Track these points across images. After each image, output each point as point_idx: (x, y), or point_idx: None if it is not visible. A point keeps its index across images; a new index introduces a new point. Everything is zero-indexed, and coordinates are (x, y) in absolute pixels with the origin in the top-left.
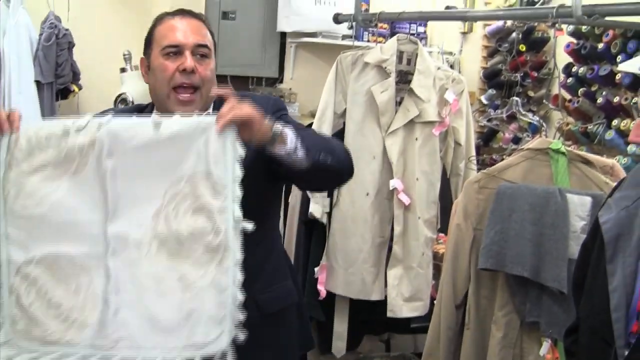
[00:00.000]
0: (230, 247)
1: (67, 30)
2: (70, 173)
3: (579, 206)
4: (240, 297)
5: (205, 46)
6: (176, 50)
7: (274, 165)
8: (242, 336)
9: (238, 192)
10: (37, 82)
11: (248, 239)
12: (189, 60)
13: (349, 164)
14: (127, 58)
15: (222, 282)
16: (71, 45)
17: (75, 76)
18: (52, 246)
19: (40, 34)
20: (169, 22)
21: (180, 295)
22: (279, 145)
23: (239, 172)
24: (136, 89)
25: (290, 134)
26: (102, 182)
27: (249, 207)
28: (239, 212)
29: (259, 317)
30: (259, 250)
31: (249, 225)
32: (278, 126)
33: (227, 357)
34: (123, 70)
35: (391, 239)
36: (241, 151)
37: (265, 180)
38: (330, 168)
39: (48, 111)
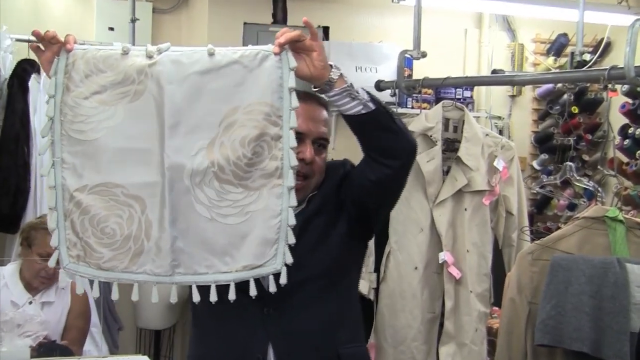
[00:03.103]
0: (284, 173)
1: None
2: (128, 99)
3: None
4: (293, 221)
5: (326, 138)
6: (298, 137)
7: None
8: (290, 259)
9: (293, 122)
10: None
11: (333, 288)
12: (309, 151)
13: (413, 139)
14: None
15: (276, 206)
16: None
17: None
18: (105, 175)
19: None
20: None
21: (234, 219)
22: (338, 85)
23: (296, 103)
24: None
25: (348, 79)
26: (160, 109)
27: (339, 258)
28: (294, 141)
29: None
30: (342, 301)
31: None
32: (337, 70)
33: (280, 278)
34: None
35: (442, 315)
36: (293, 83)
37: (355, 236)
38: (393, 127)
39: None
